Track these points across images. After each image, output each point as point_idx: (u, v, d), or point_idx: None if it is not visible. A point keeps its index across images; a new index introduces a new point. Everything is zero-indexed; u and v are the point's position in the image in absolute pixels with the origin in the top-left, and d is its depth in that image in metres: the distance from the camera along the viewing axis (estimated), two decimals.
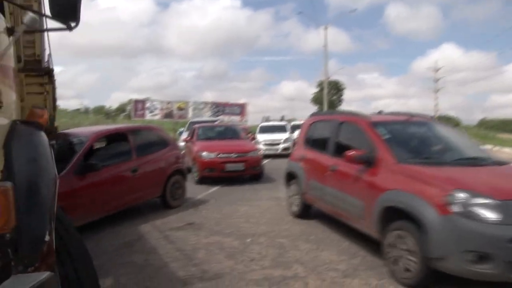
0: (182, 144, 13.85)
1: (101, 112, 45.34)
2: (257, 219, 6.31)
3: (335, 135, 5.44)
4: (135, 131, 7.02)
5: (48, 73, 3.37)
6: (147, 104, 41.83)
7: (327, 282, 3.82)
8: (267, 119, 20.29)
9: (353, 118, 5.25)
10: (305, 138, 6.47)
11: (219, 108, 38.24)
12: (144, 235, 5.63)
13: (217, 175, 10.02)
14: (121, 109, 57.61)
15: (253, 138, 12.91)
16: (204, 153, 10.10)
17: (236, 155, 10.11)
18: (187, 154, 11.55)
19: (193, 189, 9.10)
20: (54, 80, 3.62)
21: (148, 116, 40.41)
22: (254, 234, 5.48)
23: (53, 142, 2.14)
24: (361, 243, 4.86)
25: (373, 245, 4.61)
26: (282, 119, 20.26)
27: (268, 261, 4.41)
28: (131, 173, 6.40)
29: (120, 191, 6.19)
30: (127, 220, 6.36)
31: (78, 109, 46.72)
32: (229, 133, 12.21)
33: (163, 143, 7.41)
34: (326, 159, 5.43)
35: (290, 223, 6.04)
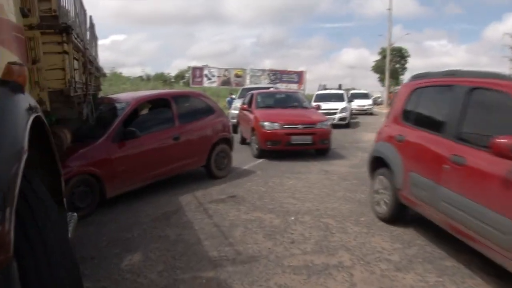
0: (234, 112, 13.48)
1: (161, 79, 46.28)
2: (304, 195, 5.82)
3: (460, 109, 3.49)
4: (178, 97, 6.70)
5: (66, 31, 3.02)
6: (205, 71, 42.23)
7: (376, 275, 3.28)
8: (324, 87, 19.24)
9: (498, 83, 3.21)
10: (403, 111, 4.54)
11: (277, 75, 37.56)
12: (183, 206, 5.38)
13: (281, 149, 8.80)
14: (180, 76, 58.60)
15: (318, 107, 11.33)
16: (266, 123, 8.82)
17: (303, 126, 8.81)
18: (243, 123, 10.85)
19: (241, 158, 8.76)
20: (75, 39, 3.28)
21: (206, 83, 40.82)
22: (298, 211, 5.01)
23: (34, 104, 1.74)
24: (419, 230, 4.23)
25: (434, 233, 3.98)
26: (339, 88, 19.09)
27: (311, 245, 3.94)
28: (173, 141, 6.12)
29: (161, 160, 5.96)
30: (169, 190, 6.16)
31: (140, 76, 48.05)
32: (292, 100, 10.83)
33: (209, 110, 7.04)
34: (443, 144, 3.58)
35: (340, 200, 5.49)
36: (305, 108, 10.42)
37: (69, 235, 2.60)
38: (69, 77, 3.18)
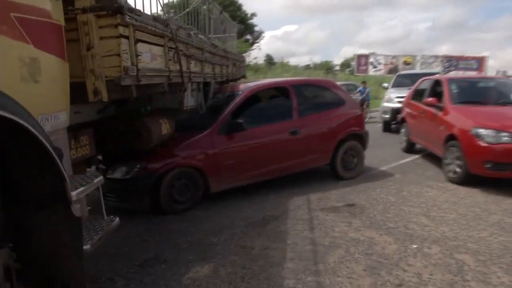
0: (387, 105, 11.72)
1: (325, 68, 45.95)
2: (442, 213, 4.48)
3: None
4: (300, 86, 5.98)
5: (119, 11, 2.66)
6: (371, 59, 40.48)
7: None
8: (504, 74, 15.69)
9: None
10: None
11: (451, 62, 33.09)
12: (289, 211, 4.70)
13: (510, 177, 5.27)
14: (346, 64, 57.58)
15: None
16: (485, 132, 5.32)
17: None
18: (417, 124, 7.65)
19: (382, 156, 7.60)
20: (137, 21, 2.90)
21: (371, 72, 39.09)
22: (426, 237, 3.80)
23: None
24: None
25: None
26: None
27: None
28: (290, 135, 5.48)
29: (275, 156, 5.39)
30: (285, 189, 5.56)
31: (308, 65, 48.75)
32: (506, 92, 6.98)
33: (337, 101, 6.13)
34: None
35: (492, 227, 4.00)
36: None
37: (87, 246, 2.27)
38: (128, 64, 2.83)
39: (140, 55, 3.00)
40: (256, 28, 44.30)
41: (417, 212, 4.53)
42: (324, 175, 6.18)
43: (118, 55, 2.75)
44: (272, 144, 5.37)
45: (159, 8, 5.30)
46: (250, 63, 35.28)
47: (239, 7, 40.59)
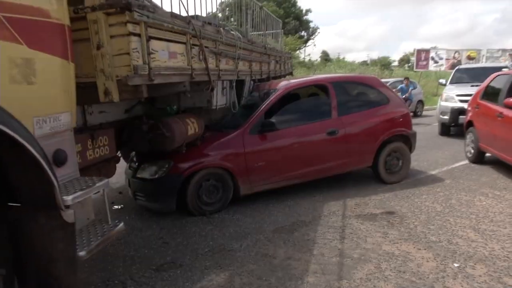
0: (445, 104, 10.53)
1: (382, 64, 44.27)
2: (494, 226, 3.97)
3: None
4: (340, 83, 5.60)
5: (127, 8, 2.54)
6: (431, 54, 38.30)
7: None
8: None
9: None
10: None
11: None
12: (321, 217, 4.43)
13: None
14: (405, 59, 55.32)
15: None
16: None
17: None
18: (488, 129, 6.32)
19: (434, 159, 7.05)
20: (149, 18, 2.77)
21: (432, 67, 37.02)
22: (471, 255, 3.37)
23: None
24: None
25: None
26: None
27: None
28: (328, 136, 5.17)
29: (311, 157, 5.10)
30: (321, 192, 5.28)
31: (365, 61, 47.32)
32: None
33: (381, 100, 5.69)
34: None
35: None
36: None
37: (82, 252, 2.18)
38: (139, 62, 2.72)
39: (154, 53, 2.88)
40: (312, 24, 43.70)
41: (465, 224, 4.06)
42: (366, 179, 5.81)
43: (128, 53, 2.64)
44: (308, 145, 5.10)
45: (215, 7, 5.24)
46: (304, 59, 34.81)
47: (293, 4, 40.21)
